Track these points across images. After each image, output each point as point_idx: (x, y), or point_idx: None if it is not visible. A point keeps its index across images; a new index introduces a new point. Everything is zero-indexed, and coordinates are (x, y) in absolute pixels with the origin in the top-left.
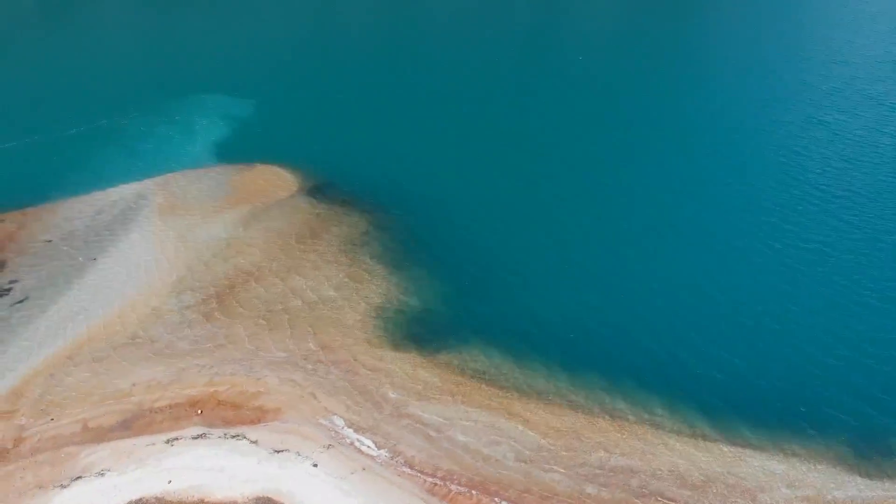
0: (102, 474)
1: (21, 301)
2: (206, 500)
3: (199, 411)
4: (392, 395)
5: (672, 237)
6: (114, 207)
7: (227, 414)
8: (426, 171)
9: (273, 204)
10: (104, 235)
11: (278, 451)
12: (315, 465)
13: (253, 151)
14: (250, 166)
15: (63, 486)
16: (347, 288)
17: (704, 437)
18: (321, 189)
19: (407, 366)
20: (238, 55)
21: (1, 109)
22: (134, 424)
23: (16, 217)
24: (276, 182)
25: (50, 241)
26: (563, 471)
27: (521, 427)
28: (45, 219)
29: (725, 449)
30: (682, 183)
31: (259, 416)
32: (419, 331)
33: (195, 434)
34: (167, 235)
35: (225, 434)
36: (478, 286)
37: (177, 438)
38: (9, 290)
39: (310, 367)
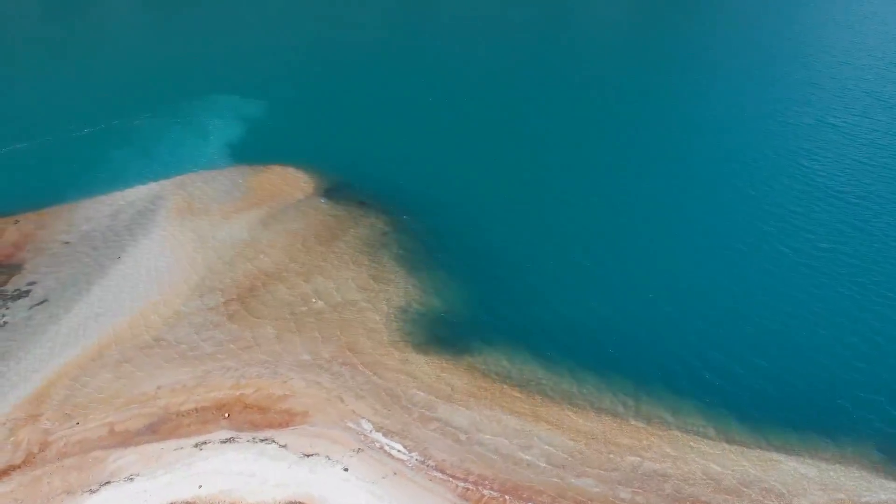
0: (132, 479)
1: (41, 303)
2: None
3: (227, 415)
4: (419, 398)
5: (695, 240)
6: (131, 208)
7: (255, 417)
8: (441, 172)
9: (291, 205)
10: (123, 236)
11: (308, 456)
12: (346, 470)
13: (268, 152)
14: (266, 167)
15: (92, 491)
16: (370, 289)
17: (736, 441)
18: (337, 190)
19: (432, 369)
20: (252, 56)
21: (13, 110)
22: (161, 428)
23: (32, 218)
24: (292, 183)
25: (68, 242)
26: (595, 475)
27: (550, 431)
28: (63, 220)
29: (758, 453)
30: (708, 188)
31: (287, 420)
32: (443, 333)
33: (223, 438)
34: (186, 236)
35: (254, 438)
36: (499, 287)
37: (205, 442)
38: (28, 291)
39: (335, 369)
